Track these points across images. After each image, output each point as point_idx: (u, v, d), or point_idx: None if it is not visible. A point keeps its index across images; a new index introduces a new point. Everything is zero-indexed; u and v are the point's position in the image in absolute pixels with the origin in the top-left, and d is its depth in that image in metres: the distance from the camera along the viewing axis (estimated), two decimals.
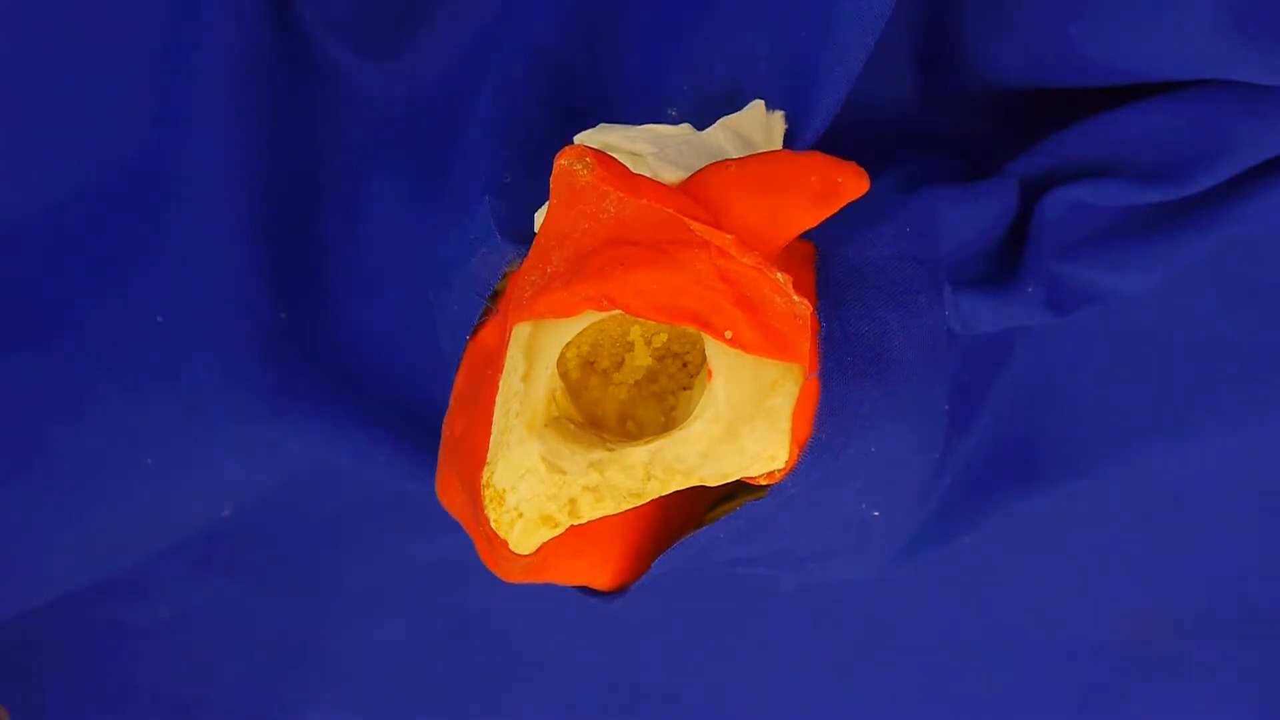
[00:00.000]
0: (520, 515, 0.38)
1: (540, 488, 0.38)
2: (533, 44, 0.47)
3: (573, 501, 0.38)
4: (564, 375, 0.40)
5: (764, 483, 0.39)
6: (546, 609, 0.56)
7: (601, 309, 0.38)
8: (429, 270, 0.46)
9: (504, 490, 0.38)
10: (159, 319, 0.49)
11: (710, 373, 0.38)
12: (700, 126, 0.42)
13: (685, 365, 0.41)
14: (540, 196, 0.42)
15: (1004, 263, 0.47)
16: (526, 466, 0.38)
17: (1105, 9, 0.43)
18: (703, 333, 0.38)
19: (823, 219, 0.38)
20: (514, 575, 0.40)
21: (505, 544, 0.39)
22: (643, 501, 0.38)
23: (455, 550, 0.54)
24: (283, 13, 0.50)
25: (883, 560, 0.46)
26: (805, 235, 0.39)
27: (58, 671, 0.55)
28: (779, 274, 0.37)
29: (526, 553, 0.39)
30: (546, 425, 0.39)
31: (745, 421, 0.38)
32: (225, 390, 0.49)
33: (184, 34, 0.50)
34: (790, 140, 0.42)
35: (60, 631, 0.53)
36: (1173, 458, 0.53)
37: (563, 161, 0.39)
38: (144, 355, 0.49)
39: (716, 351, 0.38)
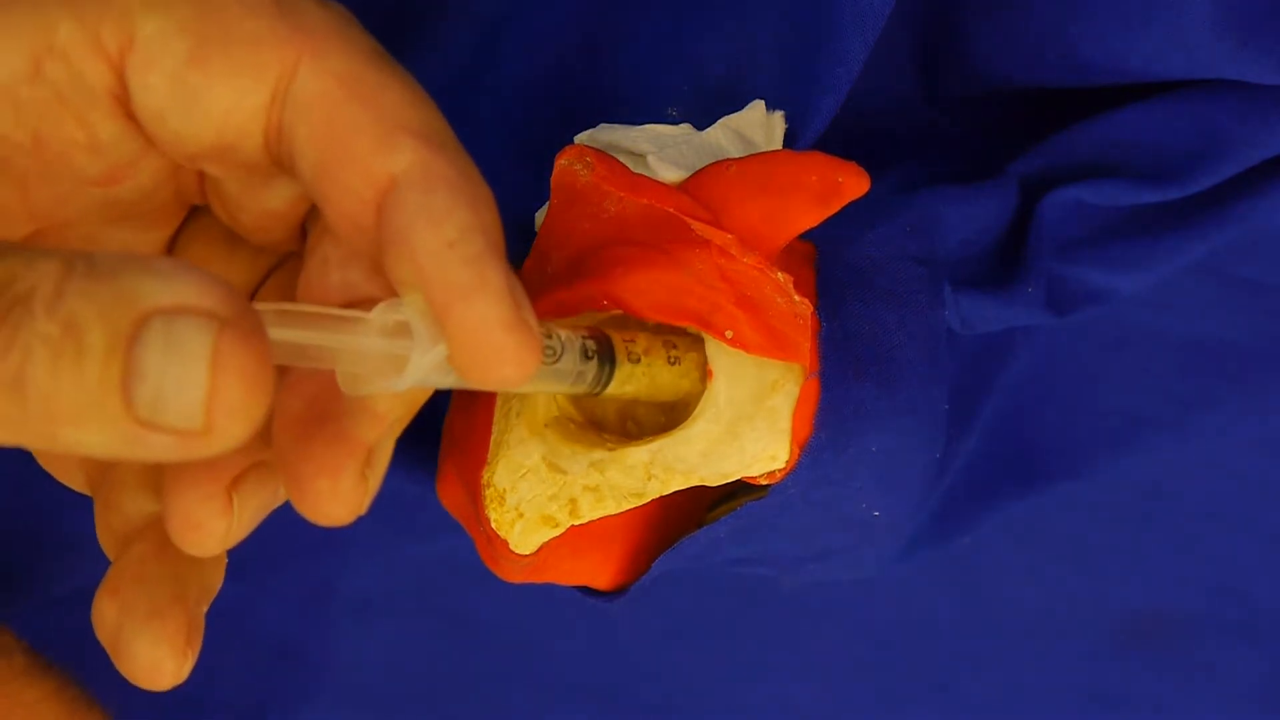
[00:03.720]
0: (521, 515, 0.38)
1: (541, 488, 0.38)
2: (533, 44, 0.47)
3: (573, 501, 0.38)
4: None
5: (764, 483, 0.39)
6: (547, 609, 0.56)
7: (602, 309, 0.38)
8: None
9: (504, 490, 0.38)
10: None
11: (710, 373, 0.38)
12: (700, 126, 0.42)
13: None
14: (540, 196, 0.42)
15: (1004, 263, 0.47)
16: (527, 466, 0.38)
17: (1105, 9, 0.43)
18: (703, 333, 0.38)
19: (823, 219, 0.38)
20: (514, 575, 0.40)
21: (506, 544, 0.39)
22: (643, 501, 0.38)
23: (455, 550, 0.54)
24: None
25: (882, 560, 0.46)
26: (805, 235, 0.39)
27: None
28: (780, 274, 0.37)
29: (527, 553, 0.39)
30: (547, 425, 0.39)
31: (746, 421, 0.38)
32: None
33: None
34: (791, 140, 0.42)
35: (60, 632, 0.53)
36: (1173, 458, 0.53)
37: (563, 161, 0.39)
38: None
39: (717, 351, 0.38)
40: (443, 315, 0.29)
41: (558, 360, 0.35)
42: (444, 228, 0.29)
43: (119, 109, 0.31)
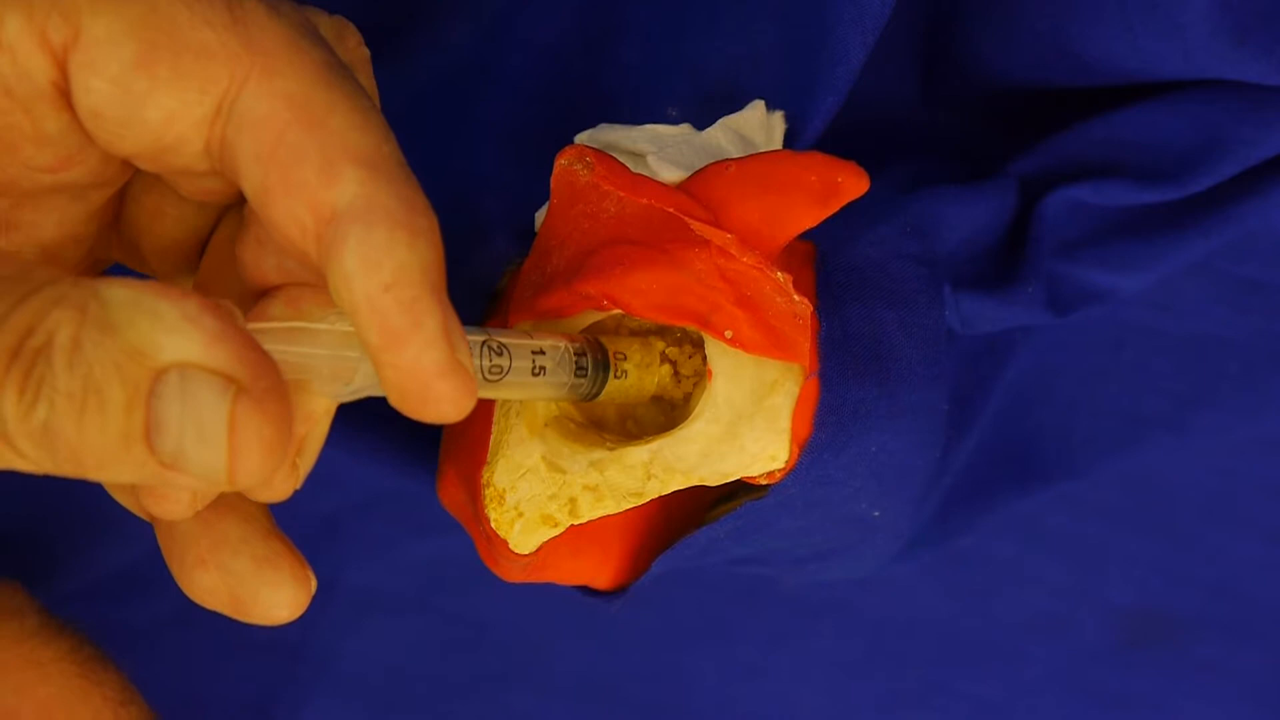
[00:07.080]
0: (520, 515, 0.38)
1: (540, 487, 0.38)
2: (533, 44, 0.47)
3: (573, 501, 0.38)
4: None
5: (764, 482, 0.39)
6: (547, 609, 0.56)
7: (601, 309, 0.38)
8: None
9: (504, 490, 0.38)
10: None
11: (710, 372, 0.38)
12: (700, 126, 0.42)
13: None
14: (540, 196, 0.42)
15: (1004, 263, 0.47)
16: (527, 466, 0.38)
17: (1105, 9, 0.43)
18: (703, 332, 0.38)
19: (823, 219, 0.38)
20: (514, 575, 0.40)
21: (505, 544, 0.39)
22: (643, 501, 0.38)
23: (455, 550, 0.54)
24: None
25: (883, 560, 0.46)
26: (805, 235, 0.39)
27: None
28: (779, 273, 0.37)
29: (526, 552, 0.39)
30: (547, 425, 0.39)
31: (745, 421, 0.38)
32: None
33: None
34: (790, 140, 0.42)
35: (87, 620, 0.53)
36: (1173, 457, 0.53)
37: (563, 161, 0.39)
38: None
39: (717, 351, 0.38)
40: (376, 359, 0.29)
41: (542, 374, 0.36)
42: (381, 270, 0.29)
43: (64, 103, 0.31)
